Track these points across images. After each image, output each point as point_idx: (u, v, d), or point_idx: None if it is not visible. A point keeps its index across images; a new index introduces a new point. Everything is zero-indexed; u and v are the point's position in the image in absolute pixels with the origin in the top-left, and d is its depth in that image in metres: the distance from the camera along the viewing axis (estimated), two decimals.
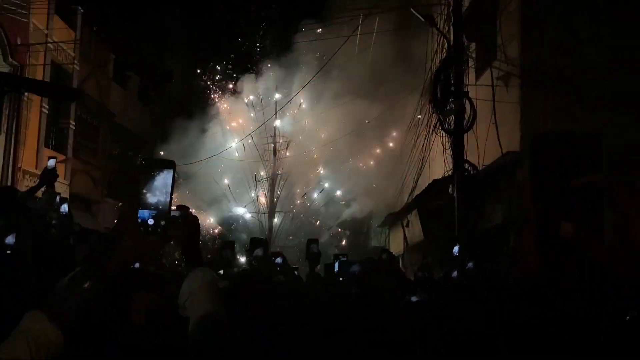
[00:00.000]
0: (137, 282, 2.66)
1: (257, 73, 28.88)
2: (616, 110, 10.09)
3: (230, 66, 30.51)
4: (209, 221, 27.40)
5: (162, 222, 1.94)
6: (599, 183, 1.98)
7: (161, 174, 1.98)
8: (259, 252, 5.78)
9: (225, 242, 5.69)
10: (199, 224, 2.19)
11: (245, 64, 29.95)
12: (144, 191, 1.96)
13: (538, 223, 2.09)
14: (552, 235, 2.01)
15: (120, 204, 24.10)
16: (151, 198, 1.96)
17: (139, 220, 1.93)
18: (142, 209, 1.93)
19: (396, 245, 20.42)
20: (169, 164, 2.00)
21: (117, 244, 1.83)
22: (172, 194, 2.00)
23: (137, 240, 1.88)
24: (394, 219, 20.65)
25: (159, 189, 1.97)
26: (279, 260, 6.44)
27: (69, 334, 1.67)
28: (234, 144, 27.20)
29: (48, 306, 1.68)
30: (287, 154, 27.43)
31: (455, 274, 6.45)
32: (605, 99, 10.42)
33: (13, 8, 17.71)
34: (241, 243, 21.30)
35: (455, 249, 6.97)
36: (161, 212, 1.95)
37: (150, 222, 1.93)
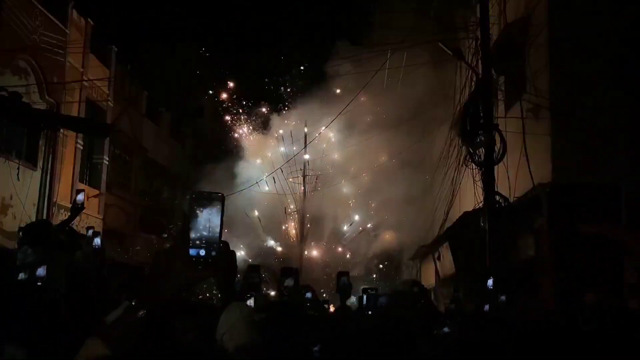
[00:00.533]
0: (183, 309, 2.75)
1: (286, 109, 29.34)
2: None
3: (262, 105, 30.99)
4: (241, 253, 27.57)
5: (213, 253, 2.02)
6: (618, 237, 2.05)
7: (211, 207, 2.05)
8: (289, 282, 5.83)
9: (252, 266, 5.73)
10: (235, 258, 2.28)
11: (276, 101, 30.47)
12: (194, 224, 2.03)
13: (556, 277, 2.16)
14: (569, 293, 2.08)
15: (155, 237, 24.41)
16: (201, 231, 2.03)
17: (191, 253, 2.00)
18: (192, 241, 2.01)
19: (428, 278, 20.25)
20: (218, 197, 2.08)
21: (166, 276, 1.93)
22: (222, 226, 2.08)
23: (188, 272, 1.97)
24: (425, 251, 20.50)
25: (209, 222, 2.04)
26: (308, 295, 6.47)
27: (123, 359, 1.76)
28: (264, 177, 27.46)
29: (104, 333, 1.79)
30: (317, 187, 27.58)
31: (487, 307, 6.41)
32: (628, 144, 10.34)
33: (50, 47, 18.24)
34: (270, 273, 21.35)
35: (489, 282, 6.92)
36: (212, 244, 2.03)
37: (202, 253, 2.01)
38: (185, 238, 2.02)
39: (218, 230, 2.06)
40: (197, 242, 2.02)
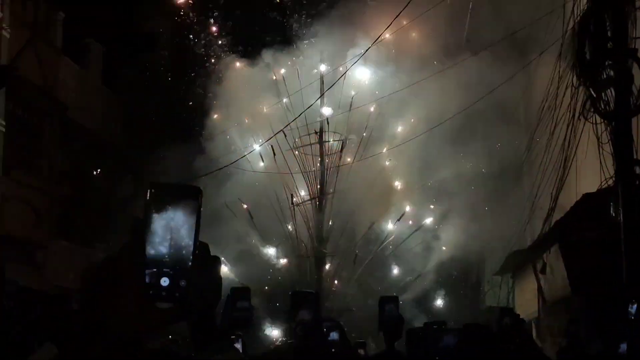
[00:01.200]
0: None
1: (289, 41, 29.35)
2: None
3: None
4: (223, 270, 27.64)
5: (183, 283, 1.98)
6: None
7: (180, 207, 2.02)
8: (305, 314, 5.77)
9: (238, 291, 5.61)
10: (219, 273, 2.21)
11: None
12: (152, 236, 2.00)
13: None
14: None
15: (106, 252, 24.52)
16: (163, 246, 1.99)
17: (147, 281, 1.97)
18: (149, 262, 1.97)
19: (525, 304, 20.24)
20: (192, 193, 2.05)
21: (106, 317, 1.88)
22: (197, 237, 2.04)
23: (142, 309, 1.92)
24: (521, 261, 20.47)
25: (177, 232, 2.01)
26: (334, 335, 6.43)
27: None
28: (256, 146, 27.39)
29: None
30: (343, 160, 27.53)
31: (624, 347, 6.38)
32: None
33: None
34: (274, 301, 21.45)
35: (632, 308, 6.84)
36: (181, 267, 1.99)
37: (164, 282, 1.97)
38: (137, 256, 1.98)
39: (191, 244, 2.02)
40: (157, 263, 1.98)
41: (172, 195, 2.02)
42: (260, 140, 27.38)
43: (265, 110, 28.32)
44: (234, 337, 5.74)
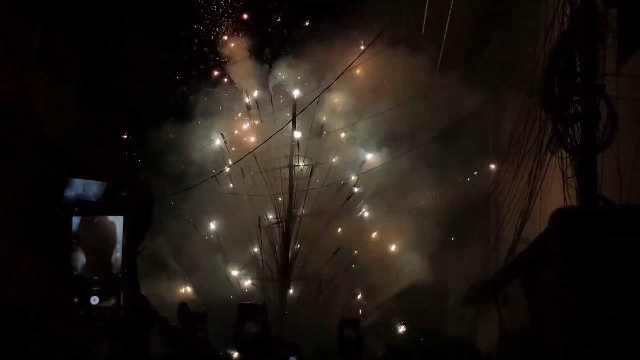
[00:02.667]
0: None
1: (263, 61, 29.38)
2: None
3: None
4: (187, 290, 27.51)
5: (113, 301, 1.96)
6: None
7: (106, 224, 1.98)
8: (251, 327, 5.67)
9: (194, 316, 5.56)
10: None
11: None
12: (80, 253, 1.95)
13: None
14: None
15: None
16: (90, 263, 1.95)
17: (77, 299, 1.91)
18: (78, 280, 1.94)
19: (487, 336, 20.19)
20: (119, 208, 1.99)
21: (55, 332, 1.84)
22: (128, 253, 2.00)
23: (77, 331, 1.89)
24: (484, 292, 20.45)
25: (105, 248, 1.97)
26: (293, 359, 6.38)
27: None
28: (226, 168, 27.32)
29: None
30: (312, 185, 27.53)
31: None
32: None
33: None
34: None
35: None
36: (110, 284, 1.94)
37: (94, 301, 1.92)
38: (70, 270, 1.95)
39: (119, 260, 1.98)
40: (86, 282, 1.98)
41: (98, 212, 1.99)
42: (229, 162, 27.33)
43: (236, 132, 28.33)
44: None
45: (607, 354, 6.59)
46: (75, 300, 2.38)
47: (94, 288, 2.50)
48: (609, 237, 8.26)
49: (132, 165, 27.52)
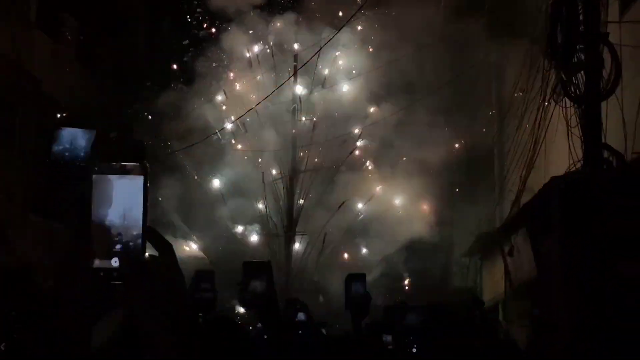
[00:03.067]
0: None
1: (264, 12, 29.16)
2: None
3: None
4: (192, 248, 27.55)
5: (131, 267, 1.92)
6: None
7: (125, 182, 1.99)
8: (257, 286, 5.60)
9: (201, 273, 5.50)
10: (176, 266, 2.10)
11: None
12: (98, 207, 1.97)
13: None
14: None
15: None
16: (114, 218, 1.96)
17: (95, 265, 1.93)
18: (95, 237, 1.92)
19: (493, 286, 20.25)
20: (137, 168, 2.01)
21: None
22: (146, 217, 2.01)
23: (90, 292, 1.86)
24: (489, 243, 20.47)
25: (125, 204, 1.97)
26: (301, 316, 6.34)
27: None
28: (228, 124, 27.27)
29: None
30: (315, 139, 27.49)
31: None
32: None
33: None
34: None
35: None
36: (132, 246, 1.96)
37: (115, 263, 1.94)
38: (82, 229, 1.94)
39: (140, 221, 1.99)
40: (107, 241, 1.96)
41: (117, 172, 1.95)
42: (232, 117, 27.28)
43: (238, 87, 28.24)
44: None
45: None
46: (96, 262, 2.34)
47: (114, 249, 2.47)
48: (611, 206, 8.24)
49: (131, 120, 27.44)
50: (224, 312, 11.95)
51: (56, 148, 2.05)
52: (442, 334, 5.54)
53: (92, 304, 1.95)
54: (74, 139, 2.02)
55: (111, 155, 1.97)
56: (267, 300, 5.55)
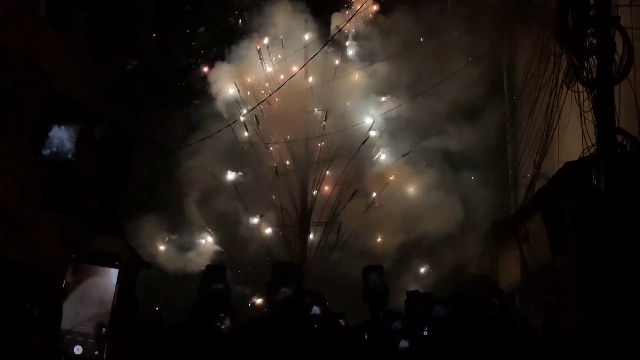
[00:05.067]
0: None
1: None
2: None
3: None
4: (208, 241, 27.65)
5: (96, 353, 1.99)
6: None
7: (98, 277, 2.02)
8: (287, 292, 5.61)
9: (212, 269, 5.52)
10: None
11: None
12: (70, 307, 1.98)
13: None
14: None
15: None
16: (78, 314, 1.98)
17: (62, 345, 1.96)
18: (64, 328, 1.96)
19: (508, 273, 20.24)
20: (113, 262, 2.02)
21: None
22: (117, 307, 2.02)
23: None
24: (504, 230, 20.46)
25: (95, 306, 2.01)
26: (316, 310, 6.35)
27: None
28: (241, 117, 27.30)
29: None
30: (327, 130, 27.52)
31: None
32: None
33: None
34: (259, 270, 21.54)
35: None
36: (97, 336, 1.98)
37: (77, 351, 1.97)
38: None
39: (105, 320, 2.03)
40: (72, 331, 2.01)
41: (93, 260, 2.00)
42: (244, 110, 27.29)
43: (249, 80, 28.23)
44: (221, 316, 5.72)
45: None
46: (61, 347, 2.39)
47: (79, 338, 2.51)
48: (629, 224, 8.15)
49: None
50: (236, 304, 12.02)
51: (45, 152, 2.08)
52: (467, 325, 5.55)
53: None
54: (61, 142, 2.05)
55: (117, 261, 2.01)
56: (295, 302, 5.61)
